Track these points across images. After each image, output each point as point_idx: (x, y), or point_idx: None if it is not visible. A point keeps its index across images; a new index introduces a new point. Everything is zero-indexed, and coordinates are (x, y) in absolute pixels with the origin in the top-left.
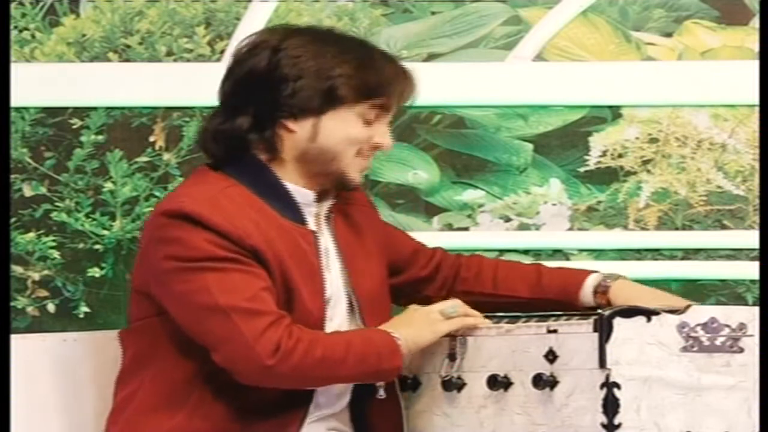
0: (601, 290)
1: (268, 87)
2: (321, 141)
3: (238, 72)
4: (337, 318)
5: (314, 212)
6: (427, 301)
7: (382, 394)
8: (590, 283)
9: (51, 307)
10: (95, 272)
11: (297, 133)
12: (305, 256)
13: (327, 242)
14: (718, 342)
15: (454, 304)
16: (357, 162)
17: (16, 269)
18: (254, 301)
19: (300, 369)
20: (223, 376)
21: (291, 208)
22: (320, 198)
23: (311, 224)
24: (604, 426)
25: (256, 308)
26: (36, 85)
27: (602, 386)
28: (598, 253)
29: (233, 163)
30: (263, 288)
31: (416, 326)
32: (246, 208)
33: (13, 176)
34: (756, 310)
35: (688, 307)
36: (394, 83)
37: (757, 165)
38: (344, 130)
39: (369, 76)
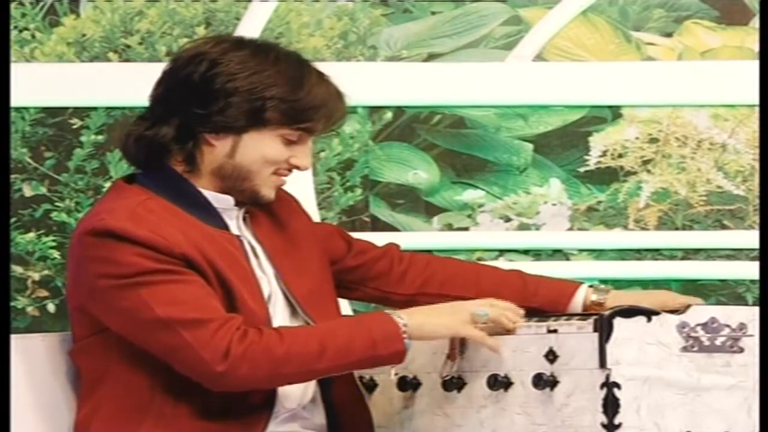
0: (595, 304)
1: (199, 100)
2: (238, 159)
3: (172, 79)
4: (279, 316)
5: (234, 215)
6: (384, 299)
7: (377, 380)
8: (579, 297)
9: (51, 307)
10: None
11: (216, 147)
12: (236, 259)
13: (253, 244)
14: (718, 342)
15: (487, 310)
16: (272, 180)
17: (16, 269)
18: (195, 309)
19: (261, 370)
20: (182, 381)
21: (212, 215)
22: (239, 202)
23: (233, 228)
24: (604, 426)
25: (199, 317)
26: (36, 85)
27: (602, 386)
28: (598, 253)
29: (150, 176)
30: (202, 294)
31: (436, 317)
32: (169, 218)
33: (13, 176)
34: (756, 310)
35: (688, 307)
36: (324, 110)
37: (757, 165)
38: (262, 150)
39: (299, 101)
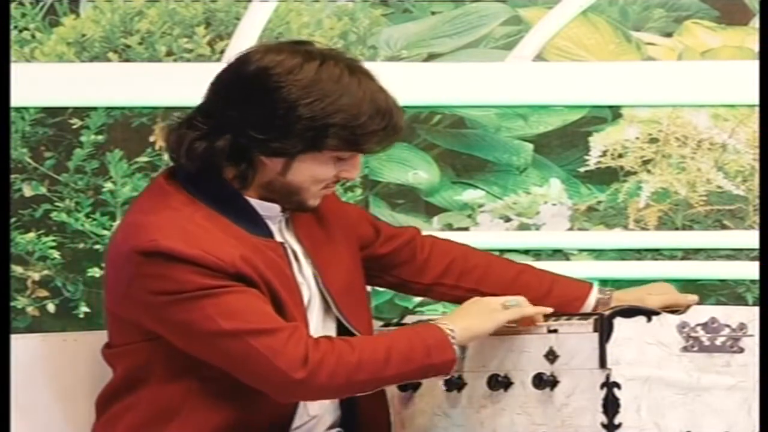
0: (602, 303)
1: (258, 124)
2: (289, 177)
3: (231, 91)
4: (314, 316)
5: (278, 221)
6: (402, 287)
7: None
8: (592, 300)
9: (51, 307)
10: (95, 272)
11: (268, 166)
12: (280, 268)
13: (295, 247)
14: (718, 342)
15: (516, 298)
16: (320, 193)
17: (16, 269)
18: (260, 320)
19: (336, 377)
20: (214, 392)
21: (258, 225)
22: (283, 208)
23: (277, 235)
24: (604, 426)
25: (266, 327)
26: (36, 85)
27: (602, 386)
28: (598, 253)
29: (196, 181)
30: (263, 305)
31: (474, 316)
32: (217, 233)
33: (13, 176)
34: (756, 310)
35: (688, 307)
36: (380, 134)
37: (757, 165)
38: (315, 171)
39: (360, 127)
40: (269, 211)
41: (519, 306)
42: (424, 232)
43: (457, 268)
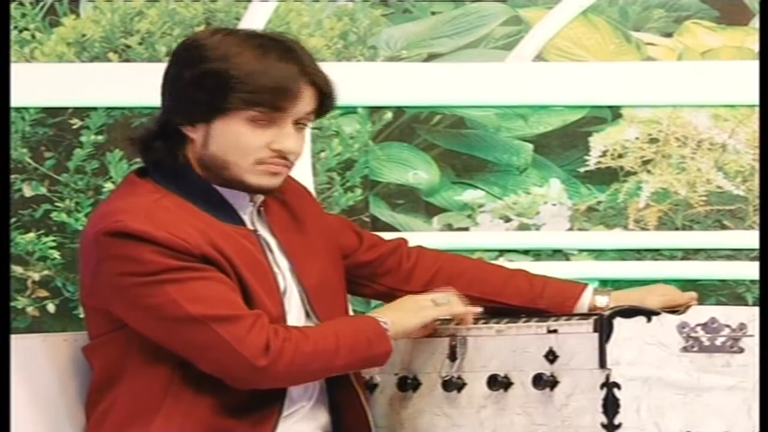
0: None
1: (171, 88)
2: (212, 149)
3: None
4: (293, 311)
5: (249, 210)
6: (389, 295)
7: (377, 380)
8: (586, 299)
9: (51, 307)
10: None
11: (192, 140)
12: (252, 255)
13: (268, 238)
14: (718, 342)
15: (446, 295)
16: (259, 169)
17: (16, 269)
18: (225, 306)
19: (294, 366)
20: (196, 379)
21: (227, 212)
22: (252, 197)
23: (248, 224)
24: (604, 426)
25: (230, 313)
26: (36, 85)
27: (602, 386)
28: (598, 253)
29: (162, 171)
30: (228, 291)
31: (404, 311)
32: (185, 217)
33: (13, 176)
34: (756, 310)
35: (688, 307)
36: (290, 87)
37: (757, 165)
38: (234, 139)
39: (256, 83)
40: (237, 198)
41: (449, 303)
42: (424, 232)
43: (445, 274)
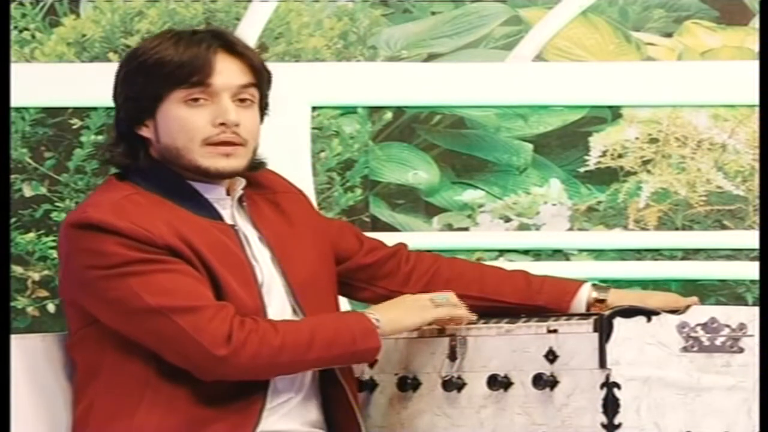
0: (597, 301)
1: (117, 98)
2: (164, 140)
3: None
4: (275, 304)
5: (228, 205)
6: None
7: (365, 376)
8: (582, 295)
9: (51, 307)
10: None
11: (151, 139)
12: (227, 248)
13: (248, 232)
14: (718, 342)
15: (445, 294)
16: (210, 151)
17: (16, 269)
18: (187, 297)
19: (259, 358)
20: (173, 370)
21: (204, 207)
22: (230, 191)
23: (227, 218)
24: (604, 426)
25: (192, 304)
26: (36, 85)
27: (602, 386)
28: (598, 253)
29: (140, 172)
30: (192, 282)
31: (402, 309)
32: (155, 210)
33: (13, 176)
34: (756, 310)
35: (688, 307)
36: (203, 58)
37: (757, 165)
38: (177, 123)
39: (174, 59)
40: (214, 193)
41: (449, 302)
42: (424, 233)
43: (443, 276)
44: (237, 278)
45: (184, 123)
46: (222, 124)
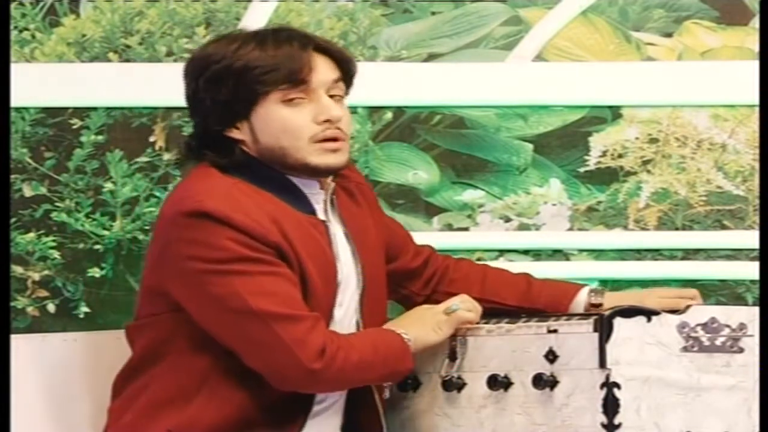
0: (593, 305)
1: (197, 105)
2: (264, 140)
3: (186, 88)
4: (346, 302)
5: (321, 199)
6: (407, 298)
7: (387, 394)
8: (581, 299)
9: (51, 307)
10: (95, 272)
11: (245, 140)
12: (318, 245)
13: (336, 229)
14: (718, 342)
15: (457, 302)
16: (318, 148)
17: (16, 269)
18: (288, 305)
19: (342, 372)
20: (234, 372)
21: (301, 200)
22: (322, 185)
23: (320, 213)
24: (604, 426)
25: (291, 313)
26: (36, 85)
27: (602, 386)
28: (598, 253)
29: (234, 164)
30: (292, 289)
31: (426, 327)
32: (261, 203)
33: (13, 176)
34: (756, 310)
35: (688, 307)
36: (301, 56)
37: (757, 165)
38: (277, 122)
39: (272, 60)
40: (309, 187)
41: (460, 312)
42: (424, 232)
43: (449, 276)
44: (322, 277)
45: (286, 123)
46: (326, 120)
